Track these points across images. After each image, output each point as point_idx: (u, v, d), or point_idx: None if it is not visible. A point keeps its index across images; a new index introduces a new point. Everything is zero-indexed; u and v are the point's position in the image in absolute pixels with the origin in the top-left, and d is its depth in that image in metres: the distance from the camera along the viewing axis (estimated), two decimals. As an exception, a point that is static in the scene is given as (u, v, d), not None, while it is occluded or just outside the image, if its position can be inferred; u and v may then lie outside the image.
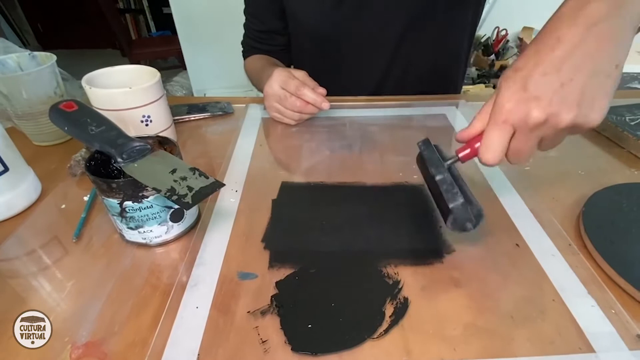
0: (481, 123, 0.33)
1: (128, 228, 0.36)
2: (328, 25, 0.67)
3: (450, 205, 0.32)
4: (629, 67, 1.34)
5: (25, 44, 3.24)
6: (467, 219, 0.33)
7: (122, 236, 0.38)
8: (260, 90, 0.67)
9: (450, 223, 0.33)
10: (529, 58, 0.30)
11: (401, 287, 0.33)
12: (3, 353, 0.29)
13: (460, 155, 0.35)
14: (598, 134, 0.57)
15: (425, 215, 0.41)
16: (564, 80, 0.28)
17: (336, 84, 0.62)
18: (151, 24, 3.25)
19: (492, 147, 0.31)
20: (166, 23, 3.03)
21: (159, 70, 0.50)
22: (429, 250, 0.37)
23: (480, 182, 0.47)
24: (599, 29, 0.27)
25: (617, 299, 0.32)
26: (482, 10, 0.70)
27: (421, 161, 0.38)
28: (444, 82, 0.75)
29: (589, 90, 0.28)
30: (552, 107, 0.28)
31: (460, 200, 0.32)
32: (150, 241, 0.37)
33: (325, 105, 0.56)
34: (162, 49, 2.67)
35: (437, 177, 0.34)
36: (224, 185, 0.35)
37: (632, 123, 0.55)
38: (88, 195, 0.44)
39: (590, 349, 0.28)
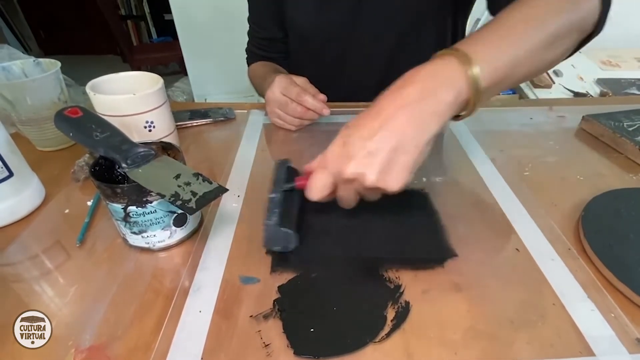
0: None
1: (131, 233, 0.37)
2: (326, 34, 0.68)
3: (265, 222, 0.36)
4: (627, 73, 1.34)
5: (27, 50, 3.26)
6: (277, 239, 0.36)
7: (126, 241, 0.38)
8: (263, 96, 0.68)
9: (263, 239, 0.37)
10: (359, 119, 0.34)
11: (402, 291, 0.34)
12: (7, 357, 0.29)
13: (297, 183, 0.39)
14: (596, 140, 0.57)
15: (426, 220, 0.42)
16: (372, 149, 0.32)
17: (334, 91, 0.63)
18: (152, 30, 3.27)
19: (315, 186, 0.35)
20: (167, 29, 3.05)
21: (160, 76, 0.51)
22: (430, 255, 0.37)
23: (480, 188, 0.47)
24: (407, 112, 0.32)
25: (617, 303, 0.32)
26: (468, 15, 0.72)
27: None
28: None
29: (390, 162, 0.32)
30: (359, 168, 0.32)
31: (274, 219, 0.36)
32: (154, 246, 0.38)
33: (326, 111, 0.56)
34: (163, 55, 2.69)
35: (269, 195, 0.38)
36: (227, 190, 0.36)
37: (630, 129, 0.55)
38: (91, 200, 0.45)
39: (590, 353, 0.29)
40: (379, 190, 0.34)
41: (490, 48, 0.34)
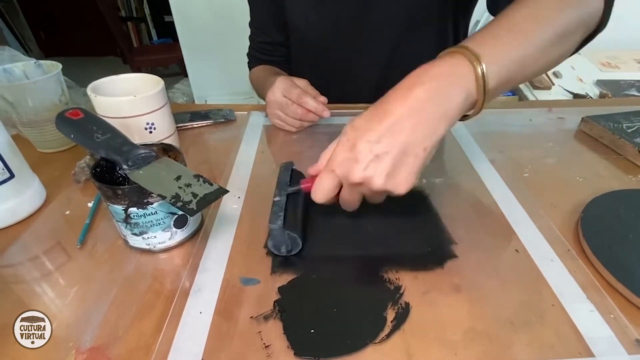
0: (324, 163, 0.36)
1: (132, 234, 0.37)
2: (327, 37, 0.68)
3: (270, 226, 0.36)
4: (627, 75, 1.35)
5: (27, 51, 3.27)
6: (282, 242, 0.36)
7: (126, 242, 0.39)
8: (264, 99, 0.68)
9: (269, 243, 0.37)
10: (365, 121, 0.33)
11: (402, 292, 0.34)
12: (8, 357, 0.29)
13: (302, 186, 0.38)
14: (596, 141, 0.57)
15: (426, 221, 0.42)
16: (379, 152, 0.31)
17: (335, 93, 0.63)
18: (153, 31, 3.28)
19: (320, 188, 0.35)
20: (167, 31, 3.06)
21: (160, 77, 0.51)
22: (430, 256, 0.37)
23: (480, 189, 0.47)
24: (417, 115, 0.31)
25: (616, 304, 0.32)
26: (470, 15, 0.72)
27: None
28: None
29: (398, 165, 0.31)
30: (367, 172, 0.32)
31: (279, 223, 0.36)
32: (154, 247, 0.38)
33: (326, 113, 0.57)
34: (163, 57, 2.70)
35: (274, 199, 0.38)
36: (228, 191, 0.36)
37: (629, 130, 0.55)
38: (92, 202, 0.45)
39: (590, 354, 0.29)
40: (385, 193, 0.33)
41: (499, 46, 0.33)
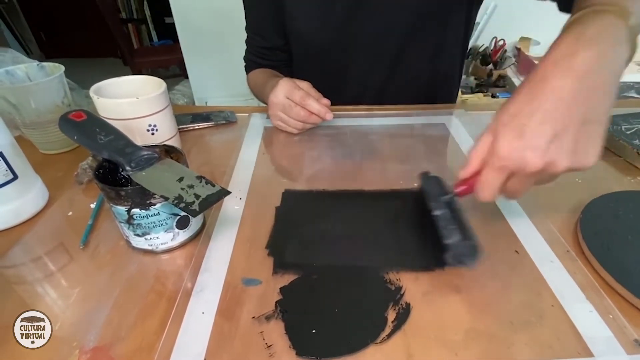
0: (478, 162, 0.34)
1: (135, 235, 0.37)
2: (329, 42, 0.68)
3: (448, 242, 0.34)
4: (626, 77, 1.35)
5: (27, 53, 3.27)
6: (465, 255, 0.34)
7: (129, 243, 0.39)
8: (263, 101, 0.68)
9: (449, 258, 0.35)
10: (523, 105, 0.31)
11: (403, 293, 0.34)
12: (8, 357, 0.30)
13: (457, 191, 0.36)
14: (595, 143, 0.58)
15: (426, 222, 0.42)
16: (558, 130, 0.29)
17: (337, 95, 0.63)
18: (153, 33, 3.28)
19: (489, 187, 0.33)
20: (168, 32, 3.06)
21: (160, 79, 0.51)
22: (430, 257, 0.38)
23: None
24: (590, 80, 0.29)
25: (615, 304, 0.33)
26: (474, 19, 0.72)
27: (422, 193, 0.41)
28: (441, 91, 0.76)
29: (583, 138, 0.29)
30: (548, 155, 0.29)
31: (457, 237, 0.34)
32: (156, 248, 0.38)
33: (329, 115, 0.57)
34: (164, 58, 2.70)
35: (435, 213, 0.36)
36: (230, 193, 0.36)
37: (628, 132, 0.56)
38: (94, 203, 0.45)
39: (589, 354, 0.29)
40: (572, 170, 0.31)
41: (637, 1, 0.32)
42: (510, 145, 0.30)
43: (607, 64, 0.30)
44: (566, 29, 0.32)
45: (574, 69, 0.29)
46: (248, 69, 0.81)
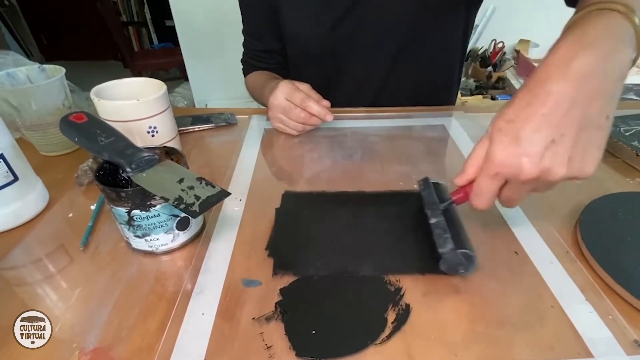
0: (474, 169, 0.34)
1: (135, 236, 0.37)
2: (326, 44, 0.68)
3: (440, 251, 0.34)
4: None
5: (28, 55, 3.28)
6: (458, 264, 0.34)
7: (129, 244, 0.39)
8: (262, 104, 0.68)
9: (442, 266, 0.35)
10: (520, 110, 0.30)
11: (403, 294, 0.34)
12: (8, 357, 0.30)
13: (454, 198, 0.37)
14: (594, 144, 0.58)
15: (426, 223, 0.42)
16: (555, 136, 0.28)
17: (333, 97, 0.63)
18: (153, 35, 3.29)
19: (483, 195, 0.32)
20: (168, 35, 3.07)
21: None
22: (430, 258, 0.38)
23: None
24: (589, 84, 0.28)
25: (614, 305, 0.33)
26: (473, 21, 0.72)
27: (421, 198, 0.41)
28: (439, 93, 0.77)
29: (581, 144, 0.28)
30: (544, 163, 0.28)
31: (449, 246, 0.34)
32: (157, 249, 0.38)
33: (329, 117, 0.57)
34: (164, 61, 2.71)
35: (431, 221, 0.36)
36: (230, 194, 0.36)
37: (627, 134, 0.56)
38: (95, 204, 0.45)
39: (589, 355, 0.29)
40: (570, 179, 0.30)
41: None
42: (504, 151, 0.30)
43: (609, 67, 0.28)
44: (567, 29, 0.31)
45: (573, 73, 0.28)
46: (245, 72, 0.81)
